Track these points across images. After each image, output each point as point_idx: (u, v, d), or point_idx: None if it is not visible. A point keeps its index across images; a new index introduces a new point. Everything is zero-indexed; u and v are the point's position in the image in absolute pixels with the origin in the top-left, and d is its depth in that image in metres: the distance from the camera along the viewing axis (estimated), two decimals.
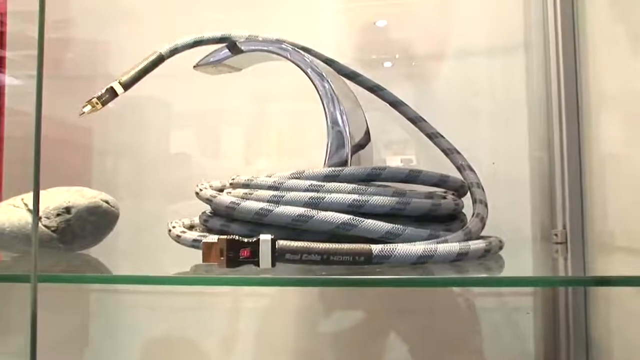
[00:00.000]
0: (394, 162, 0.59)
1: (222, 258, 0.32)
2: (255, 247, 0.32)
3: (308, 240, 0.33)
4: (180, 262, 0.43)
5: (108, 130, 0.65)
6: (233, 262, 0.32)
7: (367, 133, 0.47)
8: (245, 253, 0.32)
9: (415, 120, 0.50)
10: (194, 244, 0.40)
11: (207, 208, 0.44)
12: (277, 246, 0.32)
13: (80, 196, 0.45)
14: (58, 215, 0.44)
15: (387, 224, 0.36)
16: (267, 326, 0.62)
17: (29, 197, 0.44)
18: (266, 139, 0.64)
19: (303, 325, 0.62)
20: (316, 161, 0.54)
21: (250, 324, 0.62)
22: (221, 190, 0.44)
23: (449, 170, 0.43)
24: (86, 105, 0.42)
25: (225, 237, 0.32)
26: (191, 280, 0.38)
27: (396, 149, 0.60)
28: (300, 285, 0.38)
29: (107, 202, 0.47)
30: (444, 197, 0.42)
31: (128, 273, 0.39)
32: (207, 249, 0.33)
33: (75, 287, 0.62)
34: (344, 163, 0.43)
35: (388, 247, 0.33)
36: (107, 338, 0.64)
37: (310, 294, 0.61)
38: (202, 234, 0.40)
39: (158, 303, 0.63)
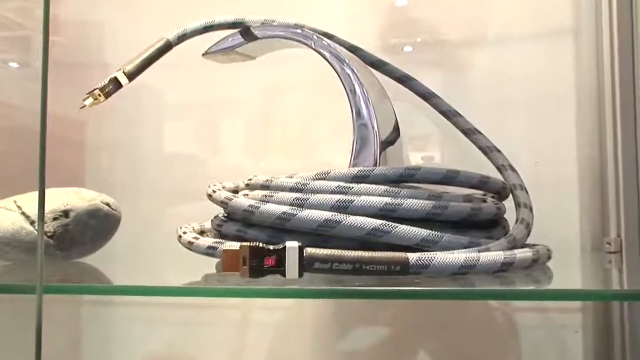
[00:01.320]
0: (414, 159, 0.60)
1: (244, 267, 0.33)
2: (281, 255, 0.33)
3: (334, 248, 0.34)
4: (187, 271, 0.45)
5: (103, 125, 0.66)
6: (256, 271, 0.33)
7: (397, 128, 0.48)
8: (270, 262, 0.33)
9: (450, 114, 0.51)
10: (209, 251, 0.41)
11: (217, 211, 0.45)
12: (305, 254, 0.33)
13: (79, 198, 0.47)
14: (55, 219, 0.45)
15: (423, 230, 0.37)
16: (280, 342, 0.63)
17: (22, 199, 0.46)
18: (279, 135, 0.65)
19: (321, 341, 0.63)
20: (337, 160, 0.54)
21: (261, 340, 0.63)
22: (235, 191, 0.45)
23: (478, 170, 0.44)
24: (87, 97, 0.43)
25: (248, 244, 0.33)
26: (209, 292, 0.39)
27: (418, 144, 0.61)
28: (331, 297, 0.38)
29: (108, 204, 0.48)
30: (484, 201, 0.43)
31: (131, 283, 0.40)
32: (228, 256, 0.34)
33: (66, 298, 0.63)
34: (371, 162, 0.44)
35: (426, 255, 0.34)
36: (102, 355, 0.65)
37: (329, 307, 0.62)
38: (218, 240, 0.41)
39: (156, 316, 0.64)
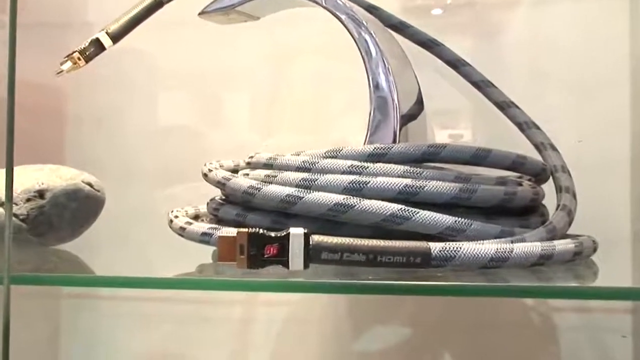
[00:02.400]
0: (440, 137, 0.60)
1: (242, 256, 0.33)
2: (284, 243, 0.33)
3: (345, 236, 0.34)
4: (180, 261, 0.45)
5: (85, 93, 0.66)
6: (256, 261, 0.33)
7: (420, 101, 0.48)
8: (271, 250, 0.33)
9: (482, 85, 0.50)
10: (204, 238, 0.40)
11: (216, 193, 0.45)
12: (311, 242, 0.33)
13: (56, 177, 0.46)
14: (28, 200, 0.45)
15: (448, 216, 0.36)
16: (285, 341, 0.64)
17: None
18: (287, 108, 0.65)
19: (331, 341, 0.63)
20: (353, 137, 0.54)
21: (264, 339, 0.64)
22: (235, 171, 0.45)
23: (513, 149, 0.43)
24: (65, 61, 0.43)
25: (246, 230, 0.33)
26: (198, 283, 0.39)
27: (444, 120, 0.61)
28: (341, 292, 0.39)
29: (90, 184, 0.47)
30: (520, 184, 0.42)
31: (116, 273, 0.40)
32: (223, 244, 0.33)
33: (43, 291, 0.64)
34: (389, 138, 0.43)
35: (451, 245, 0.34)
36: (83, 356, 0.66)
37: (340, 303, 0.62)
38: (213, 225, 0.41)
39: (146, 311, 0.65)
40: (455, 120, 0.61)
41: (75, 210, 0.47)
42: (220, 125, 0.67)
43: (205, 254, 0.41)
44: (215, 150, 0.64)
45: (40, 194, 0.45)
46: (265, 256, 0.33)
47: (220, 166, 0.46)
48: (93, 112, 0.67)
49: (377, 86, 0.44)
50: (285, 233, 0.33)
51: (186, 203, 0.50)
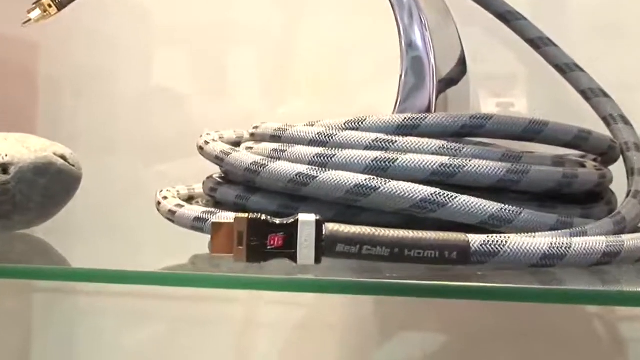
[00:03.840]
0: (486, 106, 0.60)
1: (240, 247, 0.33)
2: (291, 231, 0.32)
3: (366, 224, 0.33)
4: (171, 251, 0.45)
5: (63, 50, 0.67)
6: (257, 253, 0.33)
7: (462, 62, 0.48)
8: (275, 241, 0.32)
9: (539, 43, 0.50)
10: (197, 224, 0.40)
11: (215, 170, 0.45)
12: (325, 231, 0.32)
13: (23, 147, 0.46)
14: None
15: (492, 203, 0.36)
16: (296, 350, 0.64)
17: None
18: (303, 71, 0.65)
19: (350, 350, 0.63)
20: (379, 105, 0.54)
21: (271, 346, 0.64)
22: (237, 144, 0.45)
23: (575, 122, 0.43)
24: (34, 8, 0.43)
25: (246, 215, 0.33)
26: (190, 279, 0.38)
27: (492, 86, 0.60)
28: (358, 293, 0.38)
29: (63, 157, 0.47)
30: (582, 165, 0.42)
31: (94, 265, 0.40)
32: (218, 232, 0.33)
33: (10, 285, 0.64)
34: (424, 107, 0.43)
35: (495, 238, 0.33)
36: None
37: (365, 305, 0.62)
38: (208, 209, 0.41)
39: (131, 310, 0.65)
40: (505, 86, 0.61)
41: (46, 187, 0.46)
42: (222, 90, 0.67)
43: (202, 242, 0.41)
44: (216, 121, 0.63)
45: (4, 168, 0.45)
46: (269, 247, 0.33)
47: (220, 138, 0.45)
48: (71, 73, 0.67)
49: (410, 44, 0.44)
50: (292, 220, 0.33)
51: (179, 182, 0.50)
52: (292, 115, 0.63)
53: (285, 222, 0.33)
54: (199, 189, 0.48)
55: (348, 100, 0.63)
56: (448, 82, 0.45)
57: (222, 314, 0.65)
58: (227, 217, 0.36)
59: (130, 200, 0.62)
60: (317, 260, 0.33)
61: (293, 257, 0.33)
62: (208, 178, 0.45)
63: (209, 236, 0.40)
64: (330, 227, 0.33)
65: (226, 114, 0.65)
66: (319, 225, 0.33)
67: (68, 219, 0.50)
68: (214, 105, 0.66)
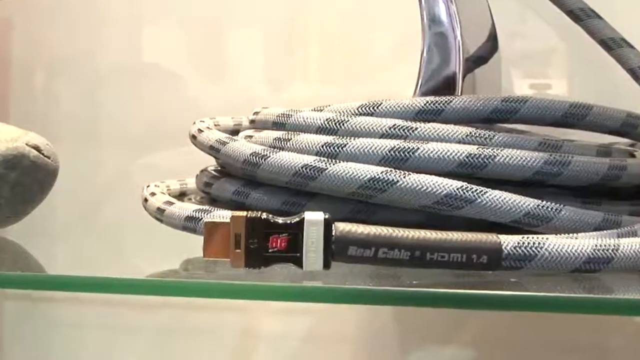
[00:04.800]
0: (520, 88, 0.60)
1: (237, 250, 0.32)
2: (296, 232, 0.32)
3: (382, 224, 0.33)
4: (160, 255, 0.45)
5: (39, 25, 0.67)
6: (256, 257, 0.32)
7: (493, 37, 0.48)
8: (278, 243, 0.32)
9: (582, 15, 0.49)
10: (189, 224, 0.40)
11: (210, 162, 0.45)
12: (335, 232, 0.32)
13: None
14: None
15: (528, 199, 0.35)
16: None
17: None
18: (310, 48, 0.65)
19: None
20: (395, 89, 0.54)
21: None
22: (235, 132, 0.45)
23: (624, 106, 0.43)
24: None
25: (244, 213, 0.32)
26: (180, 288, 0.37)
27: (526, 65, 0.60)
28: (373, 303, 0.38)
29: (37, 148, 0.47)
30: (631, 155, 0.41)
31: (73, 272, 0.40)
32: (212, 233, 0.33)
33: None
34: (449, 89, 0.43)
35: (532, 240, 0.33)
36: None
37: (378, 316, 0.62)
38: (201, 206, 0.40)
39: (116, 322, 0.66)
40: (541, 65, 0.61)
41: (17, 183, 0.46)
42: (219, 72, 0.67)
43: (195, 245, 0.41)
44: (213, 107, 0.65)
45: None
46: (270, 250, 0.32)
47: (215, 125, 0.46)
48: (48, 53, 0.67)
49: (433, 18, 0.44)
50: (298, 219, 0.32)
51: (171, 175, 0.50)
52: (298, 100, 0.64)
53: (289, 221, 0.32)
54: (192, 183, 0.48)
55: (362, 83, 0.63)
56: (476, 60, 0.45)
57: (218, 325, 0.65)
58: (222, 215, 0.36)
59: (115, 197, 0.62)
60: (326, 265, 0.32)
61: (298, 262, 0.32)
62: (202, 171, 0.45)
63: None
64: (341, 227, 0.32)
65: (224, 98, 0.65)
66: (327, 225, 0.32)
67: (43, 218, 0.50)
68: (211, 89, 0.66)
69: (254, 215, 0.32)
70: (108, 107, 0.66)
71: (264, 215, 0.32)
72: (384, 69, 0.62)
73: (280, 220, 0.32)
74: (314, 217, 0.32)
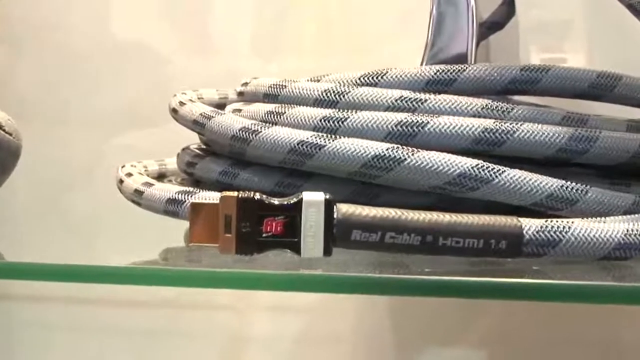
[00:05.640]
0: (537, 60, 0.60)
1: (227, 235, 0.32)
2: (293, 215, 0.32)
3: (388, 206, 0.33)
4: (137, 243, 0.45)
5: None
6: (249, 242, 0.32)
7: (509, 1, 0.49)
8: (273, 227, 0.32)
9: None
10: (170, 207, 0.40)
11: (193, 139, 0.45)
12: (336, 214, 0.32)
13: None
14: None
15: (551, 179, 0.35)
16: None
17: None
18: (304, 15, 0.65)
19: None
20: (398, 57, 0.54)
21: None
22: (220, 106, 0.45)
23: None
24: None
25: (235, 193, 0.32)
26: (161, 277, 0.37)
27: (543, 36, 0.60)
28: (381, 293, 0.38)
29: None
30: None
31: (38, 260, 0.39)
32: (198, 216, 0.33)
33: None
34: (461, 56, 0.43)
35: (555, 224, 0.33)
36: None
37: (378, 312, 0.62)
38: (185, 188, 0.40)
39: (90, 323, 0.66)
40: (557, 36, 0.61)
41: None
42: (202, 42, 0.68)
43: (176, 232, 0.41)
44: (193, 83, 0.64)
45: None
46: (264, 235, 0.32)
47: (199, 98, 0.46)
48: (10, 23, 0.67)
49: None
50: (295, 200, 0.32)
51: (147, 157, 0.50)
52: (289, 73, 0.63)
53: (285, 202, 0.32)
54: (171, 164, 0.48)
55: (360, 53, 0.63)
56: (491, 25, 0.46)
57: (205, 325, 0.65)
58: (210, 197, 0.36)
59: (86, 180, 0.62)
60: (327, 251, 0.32)
61: (295, 248, 0.32)
62: (184, 149, 0.45)
63: (186, 224, 0.40)
64: (343, 208, 0.32)
65: (206, 74, 0.65)
66: (329, 206, 0.32)
67: (4, 201, 0.50)
68: (192, 63, 0.67)
69: (246, 195, 0.32)
70: (79, 81, 0.66)
71: (258, 196, 0.32)
72: (386, 37, 0.62)
73: (275, 201, 0.32)
74: (313, 198, 0.32)
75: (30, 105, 0.64)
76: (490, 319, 0.60)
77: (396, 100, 0.38)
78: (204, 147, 0.44)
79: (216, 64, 0.66)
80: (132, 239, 0.46)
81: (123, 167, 0.45)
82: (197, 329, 0.65)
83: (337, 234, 0.32)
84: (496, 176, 0.35)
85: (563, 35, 0.61)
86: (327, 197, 0.32)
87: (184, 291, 0.57)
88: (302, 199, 0.32)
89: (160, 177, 0.47)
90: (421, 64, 0.44)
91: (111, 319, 0.65)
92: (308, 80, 0.41)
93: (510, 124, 0.37)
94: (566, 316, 0.57)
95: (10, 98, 0.64)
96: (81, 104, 0.65)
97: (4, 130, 0.47)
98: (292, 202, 0.32)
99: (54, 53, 0.67)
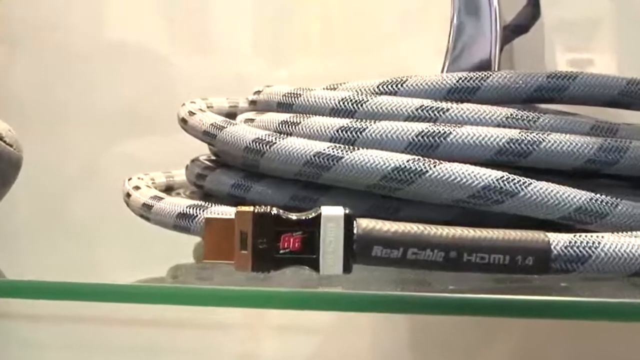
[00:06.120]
0: (563, 64, 0.60)
1: (243, 251, 0.33)
2: (312, 230, 0.32)
3: (408, 221, 0.33)
4: (141, 259, 0.45)
5: None
6: (266, 259, 0.32)
7: (534, 2, 0.48)
8: (291, 243, 0.32)
9: None
10: (181, 222, 0.40)
11: (201, 151, 0.46)
12: (356, 229, 0.32)
13: None
14: None
15: (580, 191, 0.36)
16: None
17: None
18: (313, 15, 0.66)
19: None
20: (421, 64, 0.54)
21: None
22: (231, 115, 0.45)
23: None
24: None
25: (251, 208, 0.33)
26: (171, 295, 0.37)
27: (568, 38, 0.60)
28: (403, 311, 0.38)
29: None
30: None
31: (40, 277, 0.40)
32: (214, 232, 0.33)
33: None
34: (484, 63, 0.43)
35: (584, 239, 0.33)
36: None
37: (398, 332, 0.62)
38: (195, 202, 0.40)
39: (88, 343, 0.66)
40: (582, 36, 0.61)
41: None
42: (205, 45, 0.68)
43: (184, 248, 0.42)
44: (200, 86, 0.65)
45: None
46: (282, 251, 0.32)
47: (209, 107, 0.46)
48: (6, 24, 0.67)
49: None
50: (314, 215, 0.33)
51: (147, 167, 0.50)
52: (298, 78, 0.64)
53: (303, 217, 0.33)
54: (179, 176, 0.48)
55: (374, 57, 0.63)
56: (515, 29, 0.46)
57: (211, 346, 0.65)
58: (224, 212, 0.37)
59: (86, 191, 0.62)
60: (346, 268, 0.32)
61: (314, 265, 0.32)
62: (193, 161, 0.45)
63: (196, 239, 0.41)
64: (363, 223, 0.32)
65: (209, 77, 0.66)
66: (348, 221, 0.32)
67: (3, 216, 0.51)
68: (196, 65, 0.67)
69: (262, 210, 0.33)
70: (77, 86, 0.66)
71: (275, 211, 0.33)
72: (405, 38, 0.63)
73: (293, 216, 0.33)
74: (332, 213, 0.32)
75: (28, 107, 0.65)
76: (511, 336, 0.60)
77: (417, 110, 0.38)
78: (213, 158, 0.44)
79: (217, 65, 0.66)
80: (136, 255, 0.46)
81: (130, 179, 0.45)
82: (201, 349, 0.65)
83: (357, 250, 0.32)
84: (522, 189, 0.35)
85: (589, 35, 0.61)
86: (347, 211, 0.32)
87: (189, 309, 0.58)
88: (320, 213, 0.32)
89: (168, 189, 0.47)
90: (442, 71, 0.44)
91: (112, 338, 0.65)
92: (324, 89, 0.41)
93: (537, 134, 0.37)
94: (590, 334, 0.57)
95: (7, 102, 0.64)
96: (79, 105, 0.66)
97: (4, 142, 0.47)
98: (310, 217, 0.32)
99: (50, 53, 0.67)
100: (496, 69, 0.43)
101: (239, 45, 0.67)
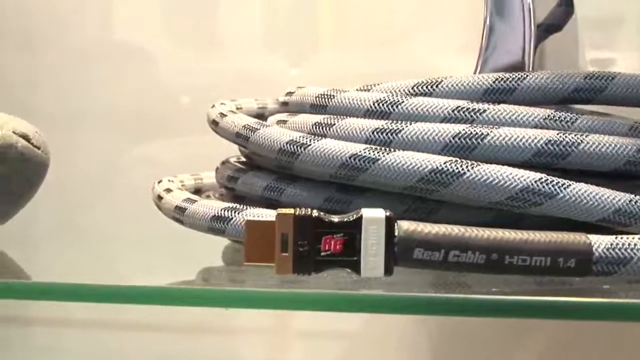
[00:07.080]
0: (595, 62, 0.60)
1: (284, 254, 0.33)
2: (352, 233, 0.33)
3: (444, 223, 0.33)
4: (169, 262, 0.46)
5: None
6: (307, 262, 0.33)
7: (568, 1, 0.48)
8: (332, 245, 0.33)
9: None
10: (216, 225, 0.40)
11: (228, 153, 0.46)
12: (397, 232, 0.33)
13: None
14: None
15: (619, 193, 0.36)
16: None
17: None
18: (323, 12, 0.66)
19: None
20: (450, 63, 0.54)
21: None
22: (260, 117, 0.45)
23: None
24: None
25: (291, 210, 0.33)
26: (204, 297, 0.38)
27: (591, 36, 0.60)
28: (446, 314, 0.38)
29: (25, 137, 0.47)
30: None
31: (65, 279, 0.40)
32: (254, 234, 0.33)
33: None
34: (518, 63, 0.43)
35: (626, 241, 0.34)
36: None
37: (448, 333, 0.63)
38: (230, 204, 0.41)
39: (108, 348, 0.66)
40: (607, 35, 0.61)
41: (4, 178, 0.47)
42: (220, 41, 0.68)
43: (213, 251, 0.43)
44: (215, 84, 0.65)
45: None
46: (323, 254, 0.33)
47: (238, 108, 0.46)
48: (21, 21, 0.68)
49: None
50: (355, 217, 0.33)
51: (175, 168, 0.50)
52: (313, 77, 0.63)
53: (345, 219, 0.33)
54: (207, 178, 0.48)
55: (400, 55, 0.63)
56: (548, 28, 0.45)
57: (233, 353, 0.65)
58: (263, 214, 0.37)
59: (114, 194, 0.62)
60: (388, 270, 0.33)
61: (355, 267, 0.33)
62: (223, 163, 0.45)
63: (225, 242, 0.42)
64: (405, 226, 0.33)
65: (224, 73, 0.65)
66: (389, 223, 0.33)
67: (30, 218, 0.51)
68: (210, 62, 0.67)
69: (302, 213, 0.33)
70: (91, 84, 0.66)
71: (315, 213, 0.33)
72: (405, 32, 0.63)
73: (335, 218, 0.33)
74: (373, 215, 0.33)
75: (44, 112, 0.64)
76: (542, 338, 0.61)
77: (453, 111, 0.39)
78: (245, 160, 0.44)
79: (233, 61, 0.66)
80: (163, 258, 0.47)
81: (160, 182, 0.46)
82: (224, 356, 0.65)
83: (398, 252, 0.33)
84: (561, 190, 0.36)
85: (613, 33, 0.61)
86: (388, 213, 0.33)
87: (212, 313, 0.58)
88: (362, 215, 0.33)
89: (197, 192, 0.47)
90: (474, 71, 0.44)
91: (130, 344, 0.65)
92: (358, 89, 0.41)
93: (575, 135, 0.37)
94: (621, 335, 0.58)
95: (24, 105, 0.65)
96: (104, 109, 0.66)
97: (32, 144, 0.47)
98: (351, 219, 0.33)
99: (66, 52, 0.67)
100: (530, 69, 0.43)
101: (251, 43, 0.66)
